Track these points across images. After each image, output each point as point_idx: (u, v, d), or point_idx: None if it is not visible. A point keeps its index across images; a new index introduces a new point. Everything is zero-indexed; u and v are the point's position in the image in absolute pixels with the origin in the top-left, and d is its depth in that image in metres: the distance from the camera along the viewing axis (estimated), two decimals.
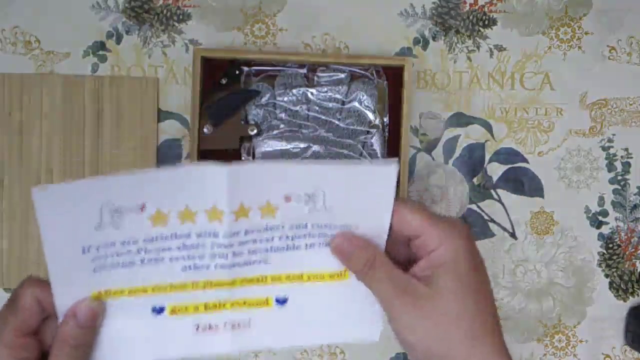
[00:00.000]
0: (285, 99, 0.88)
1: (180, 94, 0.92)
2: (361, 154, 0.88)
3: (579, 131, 0.94)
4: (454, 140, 0.93)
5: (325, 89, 0.88)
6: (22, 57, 0.92)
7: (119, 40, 0.92)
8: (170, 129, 0.92)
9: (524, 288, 0.94)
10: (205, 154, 0.89)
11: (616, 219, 0.94)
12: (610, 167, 0.94)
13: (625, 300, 0.94)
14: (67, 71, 0.92)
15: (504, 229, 0.94)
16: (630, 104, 0.94)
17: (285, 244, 0.53)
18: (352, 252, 0.52)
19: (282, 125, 0.88)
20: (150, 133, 0.92)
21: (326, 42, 0.93)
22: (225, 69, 0.88)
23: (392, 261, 0.52)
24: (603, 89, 0.93)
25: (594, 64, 0.93)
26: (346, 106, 0.88)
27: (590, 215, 0.94)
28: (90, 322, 0.50)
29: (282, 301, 0.55)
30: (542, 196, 0.94)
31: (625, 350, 0.95)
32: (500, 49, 0.93)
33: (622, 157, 0.94)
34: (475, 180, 0.94)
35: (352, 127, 0.88)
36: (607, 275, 0.94)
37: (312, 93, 0.88)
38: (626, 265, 0.94)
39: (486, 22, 0.93)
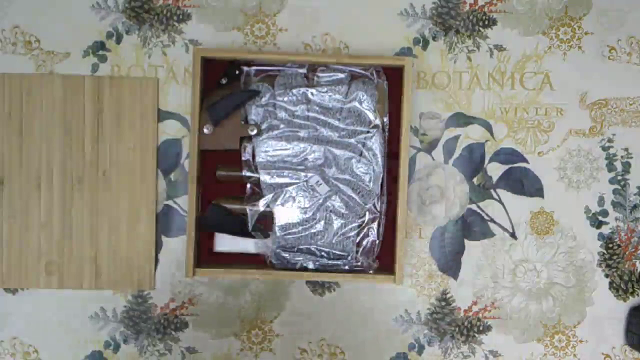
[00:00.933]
0: (285, 99, 0.88)
1: (180, 94, 0.92)
2: (361, 154, 0.88)
3: (579, 131, 0.94)
4: (454, 140, 0.93)
5: (325, 89, 0.88)
6: (22, 57, 0.92)
7: (119, 40, 0.92)
8: (170, 129, 0.92)
9: (524, 288, 0.94)
10: (205, 154, 0.89)
11: (616, 219, 0.94)
12: (610, 167, 0.94)
13: (625, 300, 0.94)
14: (67, 71, 0.92)
15: (504, 229, 0.94)
16: (630, 104, 0.94)
17: None
18: None
19: (282, 125, 0.88)
20: (150, 133, 0.92)
21: (326, 42, 0.93)
22: (225, 69, 0.88)
23: None
24: (603, 89, 0.93)
25: (594, 64, 0.93)
26: (346, 106, 0.88)
27: (590, 215, 0.94)
28: None
29: None
30: (542, 196, 0.94)
31: (625, 351, 0.95)
32: (500, 49, 0.93)
33: (622, 157, 0.94)
34: (475, 180, 0.94)
35: (352, 127, 0.88)
36: (607, 275, 0.94)
37: (312, 93, 0.88)
38: (626, 265, 0.94)
39: (486, 22, 0.93)
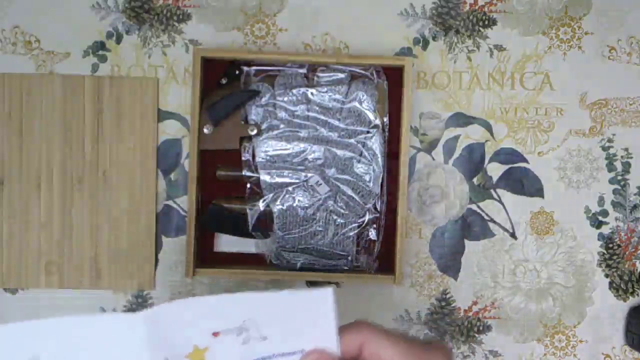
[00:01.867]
0: (285, 99, 0.88)
1: (180, 94, 0.92)
2: (361, 154, 0.88)
3: (579, 131, 0.94)
4: (454, 140, 0.93)
5: (325, 89, 0.88)
6: (22, 57, 0.92)
7: (119, 40, 0.92)
8: (170, 129, 0.92)
9: (524, 288, 0.94)
10: (205, 154, 0.89)
11: (616, 219, 0.94)
12: (610, 167, 0.94)
13: (625, 300, 0.94)
14: (67, 71, 0.92)
15: (504, 229, 0.94)
16: (630, 104, 0.94)
17: None
18: None
19: (282, 125, 0.88)
20: (150, 133, 0.92)
21: (326, 42, 0.93)
22: (225, 69, 0.88)
23: None
24: (603, 89, 0.93)
25: (594, 64, 0.93)
26: (346, 106, 0.88)
27: (590, 215, 0.94)
28: None
29: None
30: (542, 196, 0.94)
31: (625, 351, 0.95)
32: (500, 49, 0.93)
33: (622, 157, 0.94)
34: (475, 180, 0.94)
35: (352, 127, 0.88)
36: (607, 275, 0.94)
37: (312, 93, 0.88)
38: (626, 265, 0.94)
39: (486, 22, 0.93)
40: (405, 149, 0.86)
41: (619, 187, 0.94)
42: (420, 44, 0.93)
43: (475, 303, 0.94)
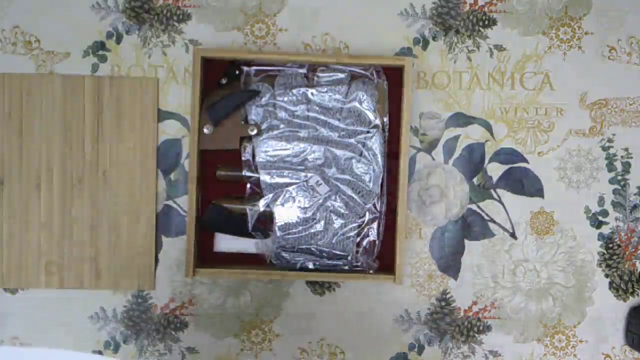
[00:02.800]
0: (285, 99, 0.88)
1: (180, 94, 0.92)
2: (361, 154, 0.88)
3: (579, 131, 0.94)
4: (454, 140, 0.93)
5: (325, 89, 0.88)
6: (22, 57, 0.92)
7: (119, 40, 0.92)
8: (170, 129, 0.92)
9: (524, 288, 0.94)
10: (205, 154, 0.89)
11: (616, 219, 0.94)
12: (610, 167, 0.94)
13: (625, 300, 0.94)
14: (67, 71, 0.92)
15: (504, 229, 0.94)
16: (630, 104, 0.94)
17: None
18: None
19: (282, 125, 0.88)
20: (150, 133, 0.92)
21: (326, 42, 0.93)
22: (225, 69, 0.88)
23: None
24: (603, 89, 0.93)
25: (594, 64, 0.93)
26: (346, 106, 0.88)
27: (590, 215, 0.94)
28: None
29: None
30: (542, 196, 0.94)
31: (625, 351, 0.95)
32: (500, 49, 0.93)
33: (622, 157, 0.94)
34: (475, 180, 0.94)
35: (352, 127, 0.88)
36: (607, 275, 0.94)
37: (312, 93, 0.88)
38: (626, 265, 0.94)
39: (486, 22, 0.93)
40: (405, 149, 0.86)
41: (619, 187, 0.94)
42: (420, 44, 0.93)
43: (475, 303, 0.94)
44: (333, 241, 0.88)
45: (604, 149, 0.94)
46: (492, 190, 0.94)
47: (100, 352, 0.93)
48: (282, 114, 0.88)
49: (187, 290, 0.93)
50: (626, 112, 0.94)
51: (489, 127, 0.93)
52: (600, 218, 0.94)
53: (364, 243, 0.89)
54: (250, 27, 0.92)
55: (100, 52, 0.92)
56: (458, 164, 0.93)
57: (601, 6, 0.93)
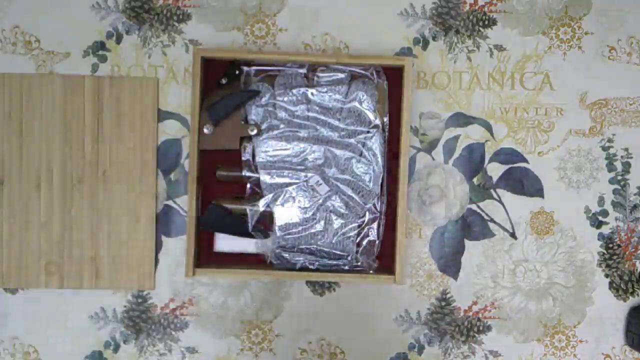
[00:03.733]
0: (285, 99, 0.88)
1: (180, 94, 0.92)
2: (361, 154, 0.88)
3: (579, 131, 0.94)
4: (454, 140, 0.93)
5: (325, 89, 0.88)
6: (22, 57, 0.92)
7: (119, 40, 0.92)
8: (170, 129, 0.92)
9: (524, 288, 0.94)
10: (205, 154, 0.89)
11: (616, 219, 0.94)
12: (610, 167, 0.94)
13: (625, 300, 0.94)
14: (67, 71, 0.92)
15: (504, 229, 0.94)
16: (630, 104, 0.94)
17: None
18: None
19: (282, 125, 0.88)
20: (150, 133, 0.92)
21: (326, 42, 0.93)
22: (225, 69, 0.88)
23: None
24: (603, 89, 0.93)
25: (594, 64, 0.93)
26: (346, 106, 0.88)
27: (590, 215, 0.94)
28: None
29: None
30: (542, 196, 0.94)
31: (625, 351, 0.95)
32: (500, 49, 0.93)
33: (622, 157, 0.94)
34: (475, 180, 0.94)
35: (352, 127, 0.88)
36: (607, 275, 0.94)
37: (312, 93, 0.88)
38: (626, 265, 0.94)
39: (486, 22, 0.93)
40: (405, 149, 0.86)
41: (619, 187, 0.94)
42: (420, 44, 0.93)
43: (475, 303, 0.94)
44: (333, 241, 0.88)
45: (604, 149, 0.94)
46: (492, 190, 0.94)
47: (100, 352, 0.93)
48: (282, 114, 0.88)
49: (187, 290, 0.93)
50: (626, 112, 0.94)
51: (489, 127, 0.93)
52: (600, 218, 0.94)
53: (364, 243, 0.89)
54: (250, 27, 0.92)
55: (100, 52, 0.92)
56: (458, 164, 0.93)
57: (601, 6, 0.93)
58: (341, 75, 0.89)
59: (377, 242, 0.89)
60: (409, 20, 0.93)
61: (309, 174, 0.87)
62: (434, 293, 0.94)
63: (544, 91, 0.93)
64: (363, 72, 0.89)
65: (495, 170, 0.94)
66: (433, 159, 0.93)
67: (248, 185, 0.89)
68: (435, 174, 0.93)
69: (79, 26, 0.92)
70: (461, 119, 0.93)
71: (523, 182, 0.94)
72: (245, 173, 0.88)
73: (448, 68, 0.93)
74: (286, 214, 0.88)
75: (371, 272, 0.89)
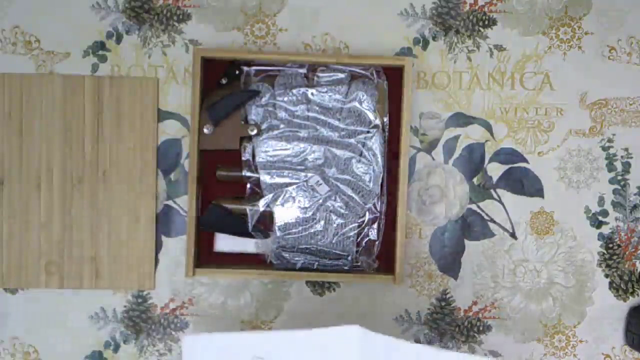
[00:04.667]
0: (285, 99, 0.88)
1: (180, 94, 0.92)
2: (361, 154, 0.88)
3: (579, 131, 0.94)
4: (454, 140, 0.93)
5: (325, 89, 0.88)
6: (22, 57, 0.92)
7: (119, 40, 0.92)
8: (170, 129, 0.92)
9: (524, 288, 0.94)
10: (205, 154, 0.89)
11: (616, 219, 0.94)
12: (610, 167, 0.94)
13: (625, 300, 0.94)
14: (67, 71, 0.92)
15: (504, 229, 0.94)
16: (630, 104, 0.94)
17: None
18: None
19: (282, 125, 0.88)
20: (150, 133, 0.92)
21: (326, 42, 0.93)
22: (225, 69, 0.88)
23: None
24: (603, 89, 0.93)
25: (594, 64, 0.93)
26: (346, 106, 0.88)
27: (590, 215, 0.94)
28: None
29: None
30: (542, 196, 0.94)
31: (625, 351, 0.95)
32: (500, 49, 0.93)
33: (622, 157, 0.94)
34: (475, 180, 0.94)
35: (352, 127, 0.88)
36: (607, 275, 0.94)
37: (312, 93, 0.88)
38: (626, 265, 0.94)
39: (486, 22, 0.93)
40: (405, 149, 0.86)
41: (619, 187, 0.94)
42: (420, 44, 0.93)
43: (475, 303, 0.94)
44: (333, 241, 0.88)
45: (604, 149, 0.94)
46: (492, 190, 0.94)
47: (100, 352, 0.93)
48: (282, 114, 0.88)
49: (187, 290, 0.93)
50: (626, 112, 0.94)
51: (489, 127, 0.93)
52: (600, 218, 0.94)
53: (364, 243, 0.89)
54: (250, 27, 0.92)
55: (100, 52, 0.92)
56: (458, 164, 0.93)
57: (601, 6, 0.93)
58: (341, 75, 0.89)
59: (377, 242, 0.89)
60: (409, 20, 0.93)
61: (309, 174, 0.87)
62: (434, 293, 0.94)
63: (544, 91, 0.93)
64: (363, 72, 0.89)
65: (495, 170, 0.94)
66: (433, 159, 0.93)
67: (248, 185, 0.89)
68: (435, 174, 0.93)
69: (79, 26, 0.92)
70: (461, 119, 0.93)
71: (523, 182, 0.94)
72: (245, 173, 0.88)
73: (448, 68, 0.93)
74: (286, 214, 0.88)
75: (371, 272, 0.89)
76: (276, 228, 0.88)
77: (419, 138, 0.93)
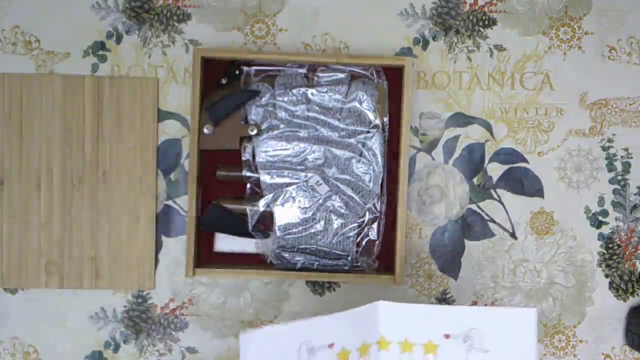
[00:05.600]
0: (285, 99, 0.88)
1: (180, 94, 0.92)
2: (361, 154, 0.88)
3: (579, 131, 0.94)
4: (454, 140, 0.93)
5: (325, 89, 0.88)
6: (22, 57, 0.92)
7: (119, 40, 0.92)
8: (170, 129, 0.92)
9: (524, 288, 0.94)
10: (205, 154, 0.89)
11: (616, 219, 0.94)
12: (610, 167, 0.94)
13: (625, 300, 0.94)
14: (67, 71, 0.92)
15: (504, 229, 0.94)
16: (630, 104, 0.94)
17: None
18: None
19: (282, 125, 0.88)
20: (150, 133, 0.92)
21: (326, 42, 0.93)
22: (225, 69, 0.88)
23: None
24: (603, 89, 0.93)
25: (594, 64, 0.93)
26: (346, 106, 0.88)
27: (590, 215, 0.94)
28: None
29: None
30: (542, 196, 0.94)
31: (625, 351, 0.95)
32: (500, 49, 0.93)
33: (622, 157, 0.94)
34: (475, 180, 0.94)
35: (352, 127, 0.88)
36: (607, 275, 0.94)
37: (312, 93, 0.88)
38: (626, 265, 0.94)
39: (486, 22, 0.93)
40: (405, 149, 0.86)
41: (619, 187, 0.94)
42: (420, 44, 0.93)
43: (475, 303, 0.94)
44: (333, 241, 0.88)
45: (604, 149, 0.94)
46: (492, 190, 0.94)
47: (100, 352, 0.93)
48: (282, 114, 0.88)
49: (187, 290, 0.93)
50: (626, 112, 0.94)
51: (489, 127, 0.93)
52: (600, 218, 0.94)
53: (364, 243, 0.89)
54: (250, 27, 0.92)
55: (100, 52, 0.92)
56: (458, 164, 0.93)
57: (601, 6, 0.93)
58: (341, 75, 0.89)
59: (377, 242, 0.89)
60: (409, 20, 0.93)
61: (309, 174, 0.87)
62: (434, 293, 0.94)
63: (544, 91, 0.93)
64: (363, 72, 0.89)
65: (495, 170, 0.94)
66: (433, 159, 0.93)
67: (248, 185, 0.89)
68: (435, 174, 0.93)
69: (79, 26, 0.92)
70: (461, 119, 0.93)
71: (523, 182, 0.94)
72: (245, 173, 0.88)
73: (448, 68, 0.93)
74: (286, 214, 0.88)
75: (371, 272, 0.89)
76: (276, 228, 0.88)
77: (419, 138, 0.93)
